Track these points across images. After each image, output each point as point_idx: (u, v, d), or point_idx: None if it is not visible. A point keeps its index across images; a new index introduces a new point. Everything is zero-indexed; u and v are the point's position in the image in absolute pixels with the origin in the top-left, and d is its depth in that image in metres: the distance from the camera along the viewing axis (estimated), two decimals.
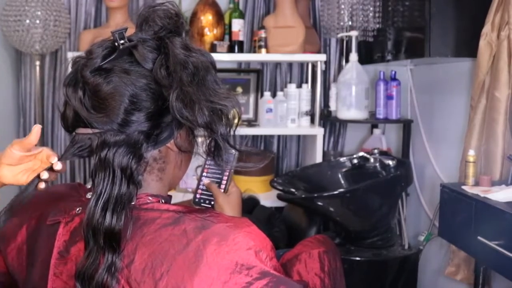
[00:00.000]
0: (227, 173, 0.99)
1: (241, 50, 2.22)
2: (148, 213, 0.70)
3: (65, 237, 0.72)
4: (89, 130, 0.70)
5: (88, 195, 0.75)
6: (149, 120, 0.70)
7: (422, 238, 2.02)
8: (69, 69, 0.75)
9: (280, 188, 1.97)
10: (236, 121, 0.74)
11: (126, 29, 0.71)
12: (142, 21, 0.74)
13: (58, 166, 0.73)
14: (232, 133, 0.73)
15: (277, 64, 2.46)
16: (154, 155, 0.75)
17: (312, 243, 0.99)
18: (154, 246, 0.67)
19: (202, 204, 0.99)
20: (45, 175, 0.73)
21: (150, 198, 0.73)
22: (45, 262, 0.74)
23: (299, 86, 2.31)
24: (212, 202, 0.98)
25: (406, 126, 2.24)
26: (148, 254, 0.66)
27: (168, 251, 0.66)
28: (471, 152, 1.53)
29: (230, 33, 2.23)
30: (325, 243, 1.01)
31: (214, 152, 0.73)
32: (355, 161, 2.09)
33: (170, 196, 0.81)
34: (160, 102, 0.71)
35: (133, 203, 0.70)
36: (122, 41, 0.70)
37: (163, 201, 0.75)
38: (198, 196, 1.00)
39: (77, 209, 0.74)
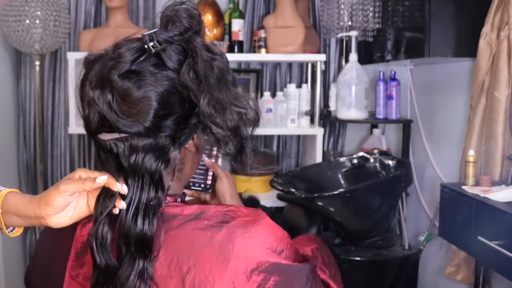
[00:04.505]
0: (211, 172, 1.00)
1: (241, 50, 2.22)
2: (169, 209, 0.71)
3: (83, 238, 0.72)
4: (115, 135, 0.69)
5: None
6: (177, 124, 0.70)
7: (422, 238, 2.02)
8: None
9: (280, 188, 1.97)
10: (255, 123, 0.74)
11: (156, 31, 0.69)
12: (168, 20, 0.71)
13: (125, 189, 0.68)
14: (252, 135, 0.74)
15: (277, 64, 2.46)
16: (174, 157, 0.74)
17: (304, 241, 1.00)
18: (178, 241, 0.68)
19: (192, 188, 0.99)
20: (121, 204, 0.68)
21: (168, 198, 0.73)
22: (63, 264, 0.73)
23: (299, 86, 2.31)
24: (203, 185, 0.99)
25: (406, 126, 2.23)
26: (172, 249, 0.67)
27: (193, 245, 0.67)
28: (471, 152, 1.53)
29: (230, 33, 2.23)
30: (316, 240, 1.02)
31: (238, 155, 0.73)
32: (355, 161, 2.09)
33: (185, 194, 0.82)
34: (186, 105, 0.70)
35: (163, 207, 0.69)
36: (151, 44, 0.68)
37: (179, 200, 0.76)
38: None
39: None
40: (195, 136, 0.75)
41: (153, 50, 0.68)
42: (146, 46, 0.68)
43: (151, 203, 0.68)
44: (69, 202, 0.68)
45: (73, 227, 0.72)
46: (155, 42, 0.68)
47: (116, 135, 0.69)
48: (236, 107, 0.70)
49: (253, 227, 0.69)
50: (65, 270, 0.73)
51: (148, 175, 0.68)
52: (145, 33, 0.69)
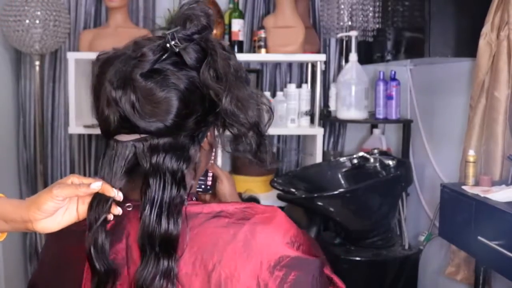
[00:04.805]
0: (211, 173, 1.00)
1: (240, 50, 2.22)
2: (189, 207, 0.71)
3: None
4: (134, 136, 0.68)
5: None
6: (197, 123, 0.71)
7: (422, 238, 2.02)
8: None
9: (280, 188, 1.97)
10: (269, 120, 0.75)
11: (176, 30, 0.69)
12: (186, 18, 0.70)
13: (120, 195, 0.68)
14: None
15: (277, 64, 2.46)
16: (194, 155, 0.74)
17: None
18: (202, 238, 0.68)
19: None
20: (116, 210, 0.68)
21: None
22: (77, 268, 0.72)
23: (299, 86, 2.31)
24: (203, 186, 1.00)
25: (406, 126, 2.23)
26: (197, 247, 0.68)
27: (217, 242, 0.68)
28: (471, 152, 1.53)
29: (230, 33, 2.23)
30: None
31: (257, 151, 0.74)
32: (355, 161, 2.09)
33: (198, 193, 0.82)
34: (206, 103, 0.71)
35: (185, 205, 0.70)
36: (173, 42, 0.68)
37: (194, 198, 0.77)
38: None
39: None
40: (208, 134, 0.75)
41: (176, 49, 0.68)
42: (168, 45, 0.68)
43: (174, 202, 0.68)
44: (60, 207, 0.67)
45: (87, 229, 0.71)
46: (177, 40, 0.68)
47: (136, 136, 0.68)
48: (254, 104, 0.71)
49: (272, 223, 0.70)
50: (77, 275, 0.72)
51: (169, 174, 0.68)
52: (167, 32, 0.68)
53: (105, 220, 0.67)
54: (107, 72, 0.69)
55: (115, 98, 0.67)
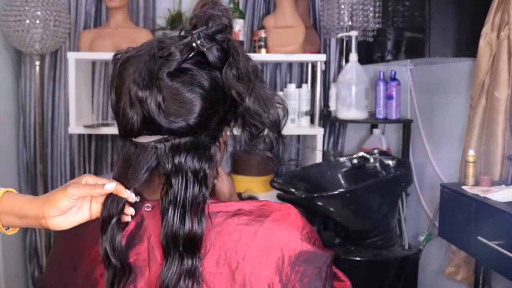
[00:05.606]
0: None
1: None
2: (209, 206, 0.71)
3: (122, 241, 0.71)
4: (156, 137, 0.68)
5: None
6: (219, 122, 0.71)
7: (422, 238, 2.02)
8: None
9: (280, 188, 1.97)
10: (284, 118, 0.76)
11: (202, 29, 0.68)
12: (209, 18, 0.69)
13: (133, 197, 0.69)
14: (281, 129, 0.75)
15: (277, 64, 2.46)
16: (214, 154, 0.74)
17: None
18: (224, 237, 0.69)
19: None
20: (130, 210, 0.69)
21: None
22: (90, 268, 0.72)
23: (299, 86, 2.31)
24: None
25: (406, 126, 2.23)
26: (219, 246, 0.69)
27: (239, 240, 0.69)
28: (471, 152, 1.53)
29: None
30: None
31: (276, 150, 0.74)
32: (355, 161, 2.09)
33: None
34: (227, 103, 0.71)
35: (208, 203, 0.70)
36: (199, 42, 0.68)
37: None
38: None
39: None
40: (223, 133, 0.76)
41: (203, 49, 0.68)
42: (194, 44, 0.68)
43: (197, 200, 0.68)
44: (74, 206, 0.68)
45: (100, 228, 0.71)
46: (202, 40, 0.68)
47: (158, 137, 0.68)
48: (273, 102, 0.72)
49: (289, 220, 0.73)
50: (84, 279, 0.72)
51: (191, 173, 0.68)
52: (194, 31, 0.68)
53: (119, 220, 0.68)
54: (129, 72, 0.68)
55: (141, 98, 0.65)
